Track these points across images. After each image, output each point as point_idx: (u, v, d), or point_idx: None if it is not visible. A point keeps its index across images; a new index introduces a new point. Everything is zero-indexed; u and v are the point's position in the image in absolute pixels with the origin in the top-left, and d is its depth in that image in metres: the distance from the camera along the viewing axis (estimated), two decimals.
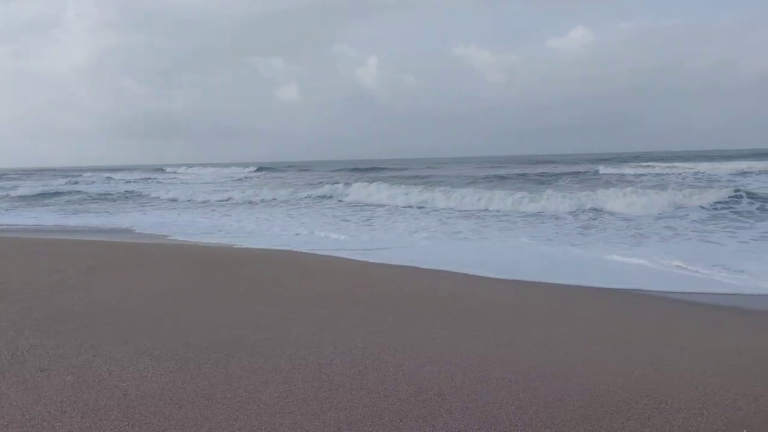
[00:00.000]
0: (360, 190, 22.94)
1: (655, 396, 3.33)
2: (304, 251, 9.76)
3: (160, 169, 72.50)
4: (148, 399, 3.28)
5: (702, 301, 6.08)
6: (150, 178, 49.74)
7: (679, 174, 30.90)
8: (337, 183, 26.44)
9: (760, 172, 29.10)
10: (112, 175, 54.89)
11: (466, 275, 7.55)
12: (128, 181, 44.27)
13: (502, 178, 32.92)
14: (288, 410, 3.12)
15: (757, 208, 14.66)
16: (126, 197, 28.43)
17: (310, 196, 23.78)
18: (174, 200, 26.13)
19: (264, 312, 5.31)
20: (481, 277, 7.41)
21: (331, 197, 23.17)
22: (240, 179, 46.71)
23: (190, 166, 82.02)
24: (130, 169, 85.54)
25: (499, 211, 16.71)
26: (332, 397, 3.29)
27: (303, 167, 65.08)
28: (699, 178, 27.63)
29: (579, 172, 35.08)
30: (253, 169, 60.21)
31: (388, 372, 3.72)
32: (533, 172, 37.40)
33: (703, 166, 36.65)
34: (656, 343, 4.37)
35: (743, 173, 29.42)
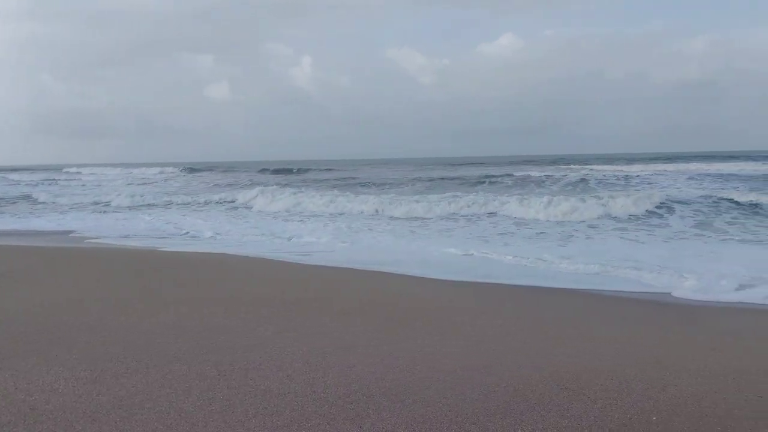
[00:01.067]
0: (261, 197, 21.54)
1: (573, 388, 3.48)
2: (231, 253, 9.52)
3: (59, 169, 66.40)
4: (58, 413, 3.07)
5: (615, 295, 6.41)
6: (51, 180, 45.64)
7: (604, 176, 32.27)
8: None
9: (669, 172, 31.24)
10: (7, 175, 50.57)
11: (397, 275, 7.62)
12: (17, 183, 40.93)
13: (431, 180, 33.07)
14: (211, 418, 3.02)
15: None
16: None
17: (212, 201, 23.16)
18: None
19: (188, 317, 5.12)
20: (411, 276, 7.50)
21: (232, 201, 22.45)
22: (154, 181, 43.58)
23: (98, 165, 77.42)
24: (34, 169, 78.45)
25: (420, 217, 16.49)
26: (258, 403, 3.21)
27: (230, 167, 63.24)
28: (617, 180, 29.15)
29: (510, 175, 35.88)
30: (179, 168, 57.56)
31: (318, 375, 3.68)
32: (465, 174, 38.08)
33: (614, 168, 39.02)
34: (574, 336, 4.56)
35: (656, 174, 31.60)
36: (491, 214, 15.97)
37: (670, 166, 40.88)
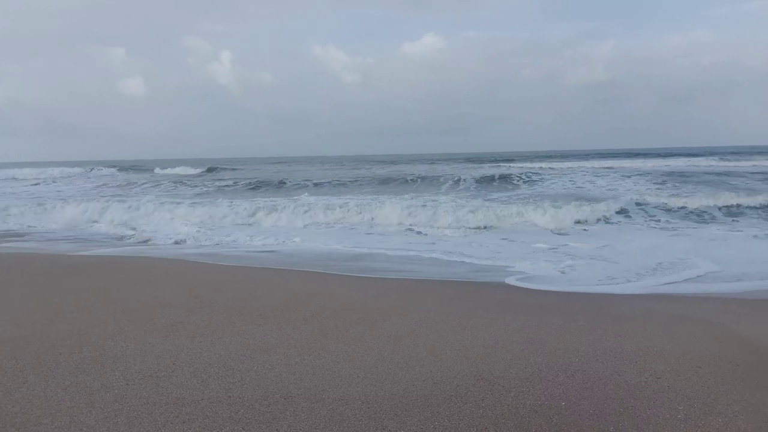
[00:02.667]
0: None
1: (489, 378, 3.57)
2: (140, 255, 9.07)
3: None
4: None
5: (519, 285, 6.67)
6: None
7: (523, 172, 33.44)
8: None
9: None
10: None
11: (316, 273, 7.55)
12: None
13: (354, 180, 32.39)
14: (115, 431, 2.84)
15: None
16: None
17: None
18: None
19: (95, 324, 4.81)
20: (330, 274, 7.45)
21: None
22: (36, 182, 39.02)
23: None
24: None
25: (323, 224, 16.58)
26: (169, 412, 3.07)
27: (139, 167, 59.78)
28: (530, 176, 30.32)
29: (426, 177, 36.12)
30: (86, 168, 53.68)
31: (234, 379, 3.57)
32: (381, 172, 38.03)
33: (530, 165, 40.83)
34: (489, 326, 4.69)
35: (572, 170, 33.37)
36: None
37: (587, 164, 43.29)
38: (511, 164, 45.80)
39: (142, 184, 31.74)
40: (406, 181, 28.23)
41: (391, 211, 14.14)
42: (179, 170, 46.84)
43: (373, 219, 14.09)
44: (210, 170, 46.86)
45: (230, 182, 29.78)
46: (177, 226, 13.49)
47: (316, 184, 27.18)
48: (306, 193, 21.48)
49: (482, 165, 46.02)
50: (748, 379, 3.53)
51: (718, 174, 27.32)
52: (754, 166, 35.93)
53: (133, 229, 13.20)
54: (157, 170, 48.92)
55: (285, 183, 28.31)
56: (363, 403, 3.19)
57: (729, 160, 43.86)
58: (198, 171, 46.53)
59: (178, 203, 17.44)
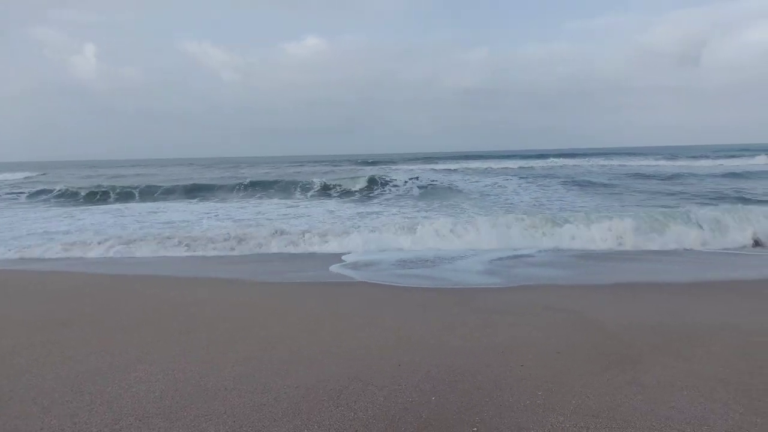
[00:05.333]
0: None
1: (363, 379, 3.53)
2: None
3: None
4: None
5: (395, 284, 6.78)
6: None
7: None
8: None
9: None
10: None
11: (185, 279, 7.13)
12: None
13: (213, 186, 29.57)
14: None
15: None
16: None
17: None
18: None
19: None
20: (202, 279, 7.08)
21: None
22: None
23: None
24: None
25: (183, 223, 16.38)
26: None
27: None
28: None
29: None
30: None
31: (83, 402, 3.21)
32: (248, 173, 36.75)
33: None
34: (369, 326, 4.68)
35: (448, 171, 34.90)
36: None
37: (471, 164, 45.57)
38: (374, 167, 46.49)
39: None
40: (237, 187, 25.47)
41: None
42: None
43: None
44: (27, 177, 41.69)
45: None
46: None
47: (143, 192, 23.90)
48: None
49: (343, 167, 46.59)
50: (600, 362, 3.81)
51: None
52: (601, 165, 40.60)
53: None
54: None
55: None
56: (228, 416, 3.01)
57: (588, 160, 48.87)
58: (22, 176, 42.15)
59: None
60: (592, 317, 4.94)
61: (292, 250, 9.79)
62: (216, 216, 15.49)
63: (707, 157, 49.57)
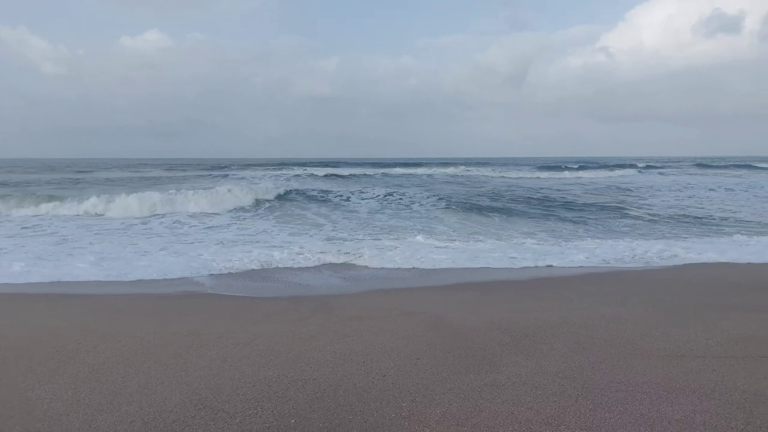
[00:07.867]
0: None
1: (212, 405, 3.14)
2: None
3: None
4: None
5: (246, 294, 6.38)
6: None
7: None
8: None
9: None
10: None
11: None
12: None
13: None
14: None
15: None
16: None
17: None
18: None
19: None
20: (7, 294, 6.00)
21: None
22: None
23: None
24: None
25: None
26: None
27: None
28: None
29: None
30: None
31: None
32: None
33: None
34: (217, 343, 4.24)
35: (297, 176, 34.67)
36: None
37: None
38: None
39: None
40: None
41: None
42: None
43: None
44: None
45: None
46: None
47: None
48: None
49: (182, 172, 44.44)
50: (458, 365, 3.81)
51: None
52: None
53: None
54: None
55: None
56: None
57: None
58: None
59: None
60: (448, 320, 4.97)
61: None
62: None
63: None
